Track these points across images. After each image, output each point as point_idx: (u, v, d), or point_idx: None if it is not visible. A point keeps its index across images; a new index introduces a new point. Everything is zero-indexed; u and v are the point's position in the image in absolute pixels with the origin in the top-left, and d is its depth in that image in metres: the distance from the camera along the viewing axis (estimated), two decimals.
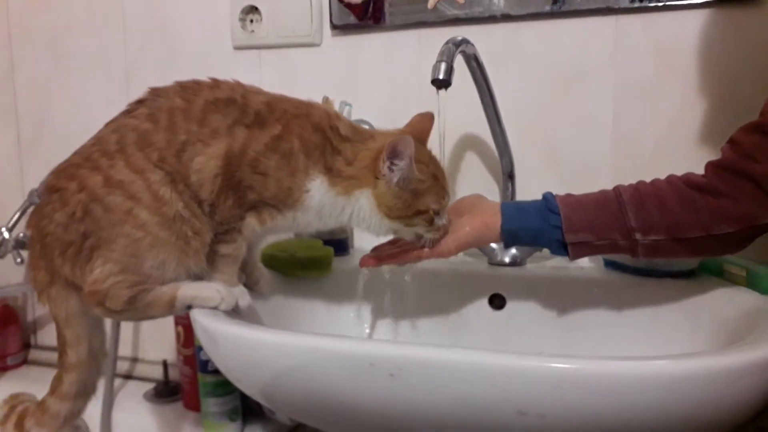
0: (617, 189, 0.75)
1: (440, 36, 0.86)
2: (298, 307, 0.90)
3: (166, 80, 1.19)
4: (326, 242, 1.01)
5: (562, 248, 0.75)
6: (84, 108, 1.30)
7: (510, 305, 0.91)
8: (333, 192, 0.72)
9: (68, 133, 1.30)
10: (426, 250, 0.78)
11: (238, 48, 1.17)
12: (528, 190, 0.99)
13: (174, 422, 1.12)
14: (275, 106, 0.72)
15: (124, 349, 1.32)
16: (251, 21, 1.16)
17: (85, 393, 0.74)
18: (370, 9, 1.06)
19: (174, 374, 1.21)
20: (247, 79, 1.15)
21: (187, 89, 0.71)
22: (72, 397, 0.73)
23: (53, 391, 0.74)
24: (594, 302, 0.86)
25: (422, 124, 0.78)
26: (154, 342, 1.32)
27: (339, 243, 1.05)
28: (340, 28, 1.10)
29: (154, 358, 1.29)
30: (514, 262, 0.95)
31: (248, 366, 0.64)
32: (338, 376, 0.57)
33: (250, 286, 0.83)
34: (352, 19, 1.08)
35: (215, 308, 0.69)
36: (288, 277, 0.91)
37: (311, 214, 0.73)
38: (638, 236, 0.71)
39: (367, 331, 0.93)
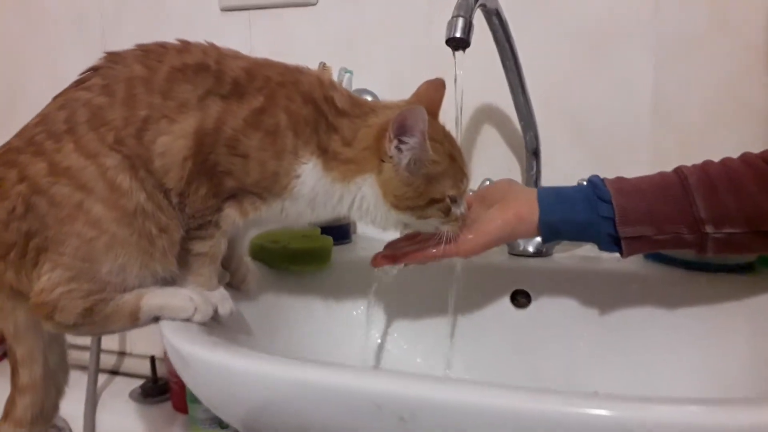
0: (680, 171, 0.62)
1: None
2: (293, 305, 0.79)
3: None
4: (324, 229, 0.89)
5: (613, 243, 0.63)
6: (60, 76, 1.17)
7: (535, 303, 0.79)
8: (328, 178, 0.60)
9: (44, 104, 1.18)
10: (449, 246, 0.65)
11: (225, 9, 1.04)
12: (555, 170, 0.87)
13: (162, 425, 1.02)
14: (256, 73, 0.59)
15: (110, 342, 1.21)
16: None
17: (42, 418, 0.64)
18: None
19: (163, 371, 1.11)
20: (237, 44, 1.01)
21: (150, 54, 0.59)
22: (28, 422, 0.63)
23: (6, 416, 0.63)
24: (634, 300, 0.74)
25: (432, 94, 0.66)
26: (143, 334, 1.21)
27: (339, 230, 0.94)
28: None
29: (144, 352, 1.19)
30: (539, 252, 0.83)
31: (226, 396, 0.52)
32: (335, 416, 0.46)
33: (236, 285, 0.72)
34: None
35: (188, 320, 0.58)
36: (281, 272, 0.80)
37: (302, 204, 0.61)
38: (709, 229, 0.59)
39: (373, 334, 0.82)
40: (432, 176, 0.61)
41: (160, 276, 0.59)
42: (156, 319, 0.58)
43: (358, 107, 0.62)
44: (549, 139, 0.87)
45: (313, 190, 0.60)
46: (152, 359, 1.11)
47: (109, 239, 0.55)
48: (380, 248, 0.72)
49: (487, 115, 0.92)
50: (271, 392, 0.48)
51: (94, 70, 0.60)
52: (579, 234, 0.65)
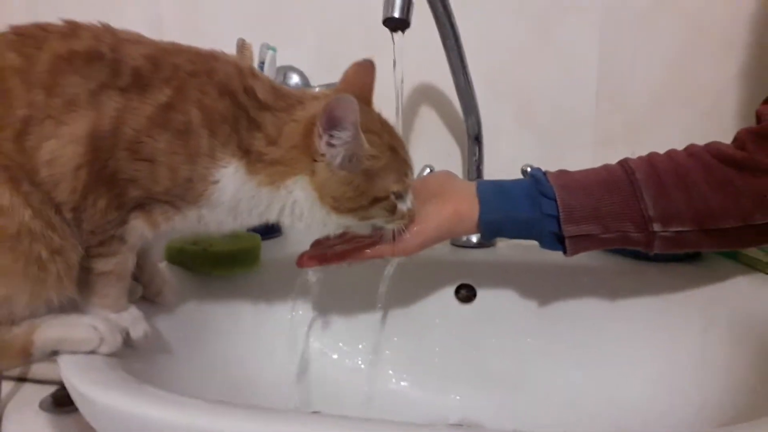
0: (626, 165, 0.58)
1: None
2: (218, 313, 0.71)
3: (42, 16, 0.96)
4: None
5: (557, 242, 0.59)
6: None
7: (481, 296, 0.75)
8: (253, 183, 0.52)
9: None
10: (383, 247, 0.60)
11: None
12: (498, 154, 0.83)
13: None
14: (162, 61, 0.50)
15: None
16: None
17: None
18: None
19: None
20: (142, 19, 0.92)
21: (27, 39, 0.48)
22: None
23: None
24: (583, 292, 0.71)
25: (362, 77, 0.59)
26: None
27: (267, 223, 0.86)
28: None
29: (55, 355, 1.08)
30: (483, 244, 0.79)
31: None
32: None
33: (151, 298, 0.63)
34: None
35: (93, 352, 0.49)
36: (203, 277, 0.71)
37: (222, 212, 0.53)
38: (657, 227, 0.56)
39: (308, 338, 0.75)
40: (372, 172, 0.54)
41: (56, 304, 0.50)
42: (54, 353, 0.50)
43: (283, 99, 0.54)
44: (492, 122, 0.82)
45: (234, 197, 0.52)
46: None
47: None
48: (317, 237, 0.66)
49: (426, 97, 0.86)
50: None
51: None
52: (521, 232, 0.61)
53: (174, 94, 0.49)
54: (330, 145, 0.51)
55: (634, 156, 0.74)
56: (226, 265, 0.72)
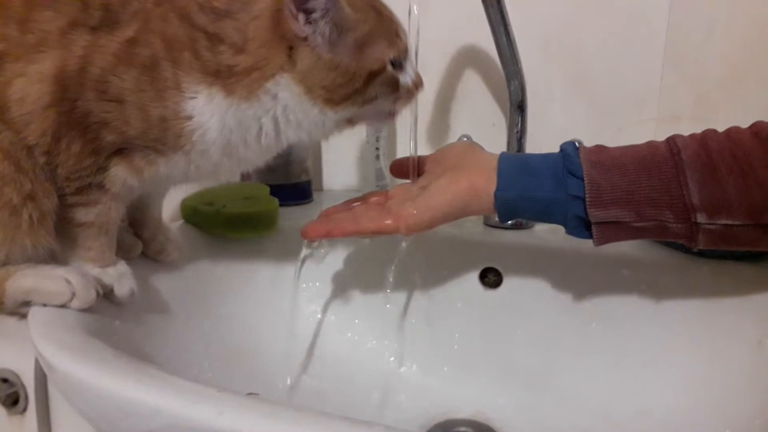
0: (673, 141, 0.49)
1: None
2: (228, 275, 0.69)
3: None
4: (278, 187, 0.78)
5: (583, 228, 0.51)
6: None
7: (507, 283, 0.68)
8: (233, 104, 0.47)
9: None
10: (388, 223, 0.55)
11: None
12: (545, 126, 0.75)
13: None
14: None
15: None
16: None
17: None
18: None
19: None
20: None
21: None
22: None
23: None
24: (623, 287, 0.63)
25: None
26: None
27: (296, 187, 0.83)
28: None
29: None
30: (519, 224, 0.72)
31: (104, 422, 0.42)
32: None
33: (152, 256, 0.62)
34: None
35: (64, 306, 0.48)
36: (217, 238, 0.69)
37: (216, 152, 0.49)
38: (701, 218, 0.47)
39: (323, 312, 0.71)
40: (360, 42, 0.48)
41: (31, 252, 0.48)
42: (26, 304, 0.48)
43: (238, 0, 0.48)
44: (541, 88, 0.74)
45: (222, 130, 0.48)
46: None
47: None
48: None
49: (469, 59, 0.78)
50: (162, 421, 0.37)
51: None
52: (542, 214, 0.53)
53: (139, 27, 0.46)
54: (309, 23, 0.46)
55: None
56: (240, 227, 0.69)
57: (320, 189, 0.89)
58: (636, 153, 0.50)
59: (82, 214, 0.50)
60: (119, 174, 0.49)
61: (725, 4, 0.67)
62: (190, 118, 0.47)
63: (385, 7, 0.50)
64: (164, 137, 0.47)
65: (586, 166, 0.50)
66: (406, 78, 0.51)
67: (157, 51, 0.46)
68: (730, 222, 0.46)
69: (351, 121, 0.52)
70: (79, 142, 0.46)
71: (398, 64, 0.50)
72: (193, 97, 0.46)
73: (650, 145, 0.51)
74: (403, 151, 0.84)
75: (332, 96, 0.48)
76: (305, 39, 0.46)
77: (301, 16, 0.45)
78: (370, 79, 0.48)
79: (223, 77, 0.47)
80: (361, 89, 0.49)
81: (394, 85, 0.50)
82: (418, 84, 0.52)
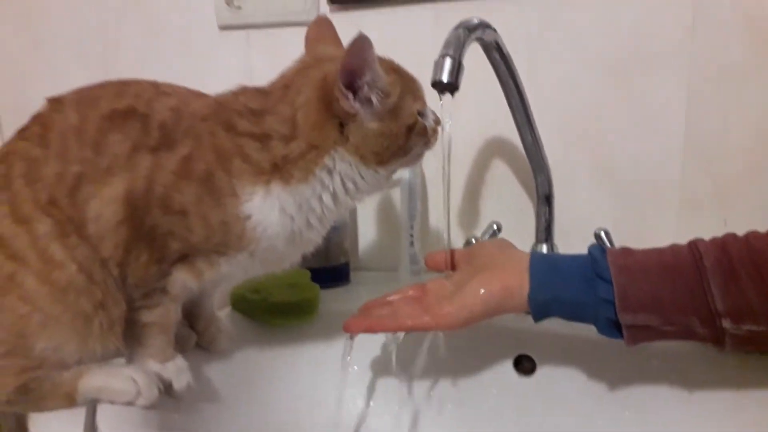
0: (695, 247, 0.52)
1: (462, 12, 0.67)
2: (274, 361, 0.72)
3: (147, 63, 1.04)
4: (318, 270, 0.82)
5: (614, 329, 0.54)
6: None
7: (541, 370, 0.70)
8: (291, 190, 0.52)
9: None
10: (426, 320, 0.58)
11: (223, 28, 0.98)
12: (571, 214, 0.78)
13: None
14: (182, 112, 0.53)
15: None
16: None
17: None
18: None
19: None
20: (235, 63, 0.98)
21: (84, 99, 0.53)
22: None
23: None
24: (653, 377, 0.64)
25: (323, 30, 0.59)
26: None
27: (335, 271, 0.87)
28: (339, 2, 0.89)
29: None
30: None
31: None
32: None
33: (205, 345, 0.66)
34: None
35: (131, 404, 0.52)
36: (263, 325, 0.73)
37: (280, 243, 0.54)
38: (726, 324, 0.50)
39: (362, 396, 0.74)
40: (396, 104, 0.53)
41: (100, 355, 0.53)
42: (96, 400, 0.53)
43: (271, 94, 0.54)
44: (567, 179, 0.78)
45: (283, 220, 0.53)
46: None
47: (43, 317, 0.50)
48: (382, 289, 0.66)
49: (497, 150, 0.83)
50: None
51: (35, 117, 0.54)
52: (575, 315, 0.56)
53: (193, 143, 0.51)
54: (362, 100, 0.51)
55: (726, 225, 0.67)
56: (283, 315, 0.73)
57: (357, 268, 0.93)
58: (660, 258, 0.53)
59: (146, 315, 0.54)
60: (179, 278, 0.54)
61: (738, 101, 0.71)
62: (249, 217, 0.52)
63: (399, 66, 0.56)
64: (227, 240, 0.52)
65: (614, 271, 0.53)
66: (429, 122, 0.56)
67: (210, 163, 0.51)
68: (755, 328, 0.49)
69: (395, 170, 0.58)
70: (147, 252, 0.51)
71: (422, 113, 0.56)
72: (248, 200, 0.51)
73: (674, 249, 0.54)
74: (435, 236, 0.88)
75: (382, 157, 0.54)
76: (355, 115, 0.51)
77: (350, 95, 0.51)
78: (409, 133, 0.54)
79: (279, 168, 0.52)
80: (403, 144, 0.54)
81: (424, 132, 0.56)
82: (437, 123, 0.58)
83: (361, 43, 0.48)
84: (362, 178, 0.54)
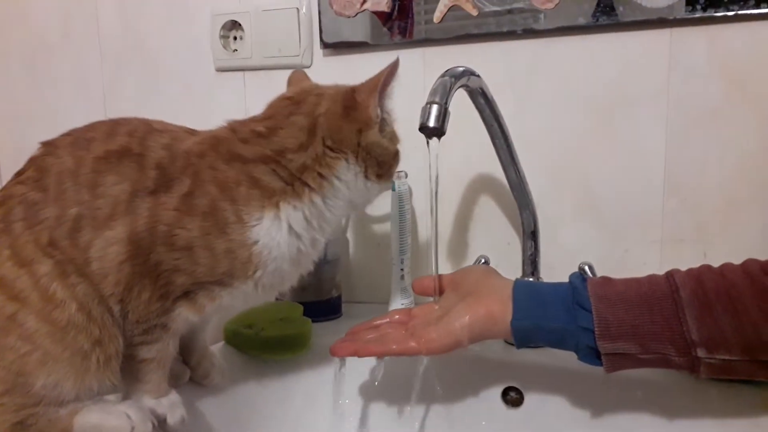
0: (672, 279, 0.54)
1: (450, 56, 0.75)
2: (266, 395, 0.73)
3: (146, 105, 1.08)
4: (311, 304, 0.84)
5: (594, 356, 0.56)
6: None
7: (529, 401, 0.72)
8: (305, 203, 0.57)
9: None
10: (411, 345, 0.60)
11: (220, 70, 1.01)
12: (556, 248, 0.81)
13: None
14: (176, 150, 0.55)
15: None
16: (234, 38, 0.99)
17: None
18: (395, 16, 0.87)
19: None
20: (232, 103, 1.01)
21: (78, 141, 0.56)
22: None
23: None
24: (636, 407, 0.66)
25: (302, 77, 0.67)
26: None
27: (327, 304, 0.89)
28: (332, 47, 0.92)
29: None
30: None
31: None
32: None
33: (198, 380, 0.67)
34: (344, 35, 0.90)
35: None
36: (257, 359, 0.75)
37: (285, 264, 0.57)
38: (701, 353, 0.52)
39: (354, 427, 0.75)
40: (392, 128, 0.61)
41: (96, 391, 0.54)
42: None
43: (274, 116, 0.58)
44: (552, 214, 0.81)
45: (290, 239, 0.56)
46: None
47: (43, 355, 0.52)
48: None
49: (483, 186, 0.86)
50: None
51: (31, 161, 0.57)
52: (555, 342, 0.58)
53: (192, 181, 0.53)
54: (382, 111, 0.58)
55: (706, 258, 0.70)
56: (276, 349, 0.75)
57: (350, 301, 0.94)
58: (639, 288, 0.55)
59: (145, 352, 0.56)
60: (182, 314, 0.55)
61: (715, 140, 0.74)
62: (256, 242, 0.54)
63: None
64: (232, 268, 0.54)
65: (594, 300, 0.55)
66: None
67: (213, 197, 0.53)
68: (728, 357, 0.51)
69: (380, 191, 0.63)
70: (150, 288, 0.53)
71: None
72: (257, 224, 0.54)
73: (651, 280, 0.56)
74: (425, 270, 0.90)
75: (380, 170, 0.59)
76: (374, 123, 0.58)
77: (378, 108, 0.57)
78: (395, 157, 0.61)
79: (292, 183, 0.56)
80: (390, 167, 0.60)
81: (397, 164, 0.62)
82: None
83: (397, 65, 0.57)
84: (361, 189, 0.59)
